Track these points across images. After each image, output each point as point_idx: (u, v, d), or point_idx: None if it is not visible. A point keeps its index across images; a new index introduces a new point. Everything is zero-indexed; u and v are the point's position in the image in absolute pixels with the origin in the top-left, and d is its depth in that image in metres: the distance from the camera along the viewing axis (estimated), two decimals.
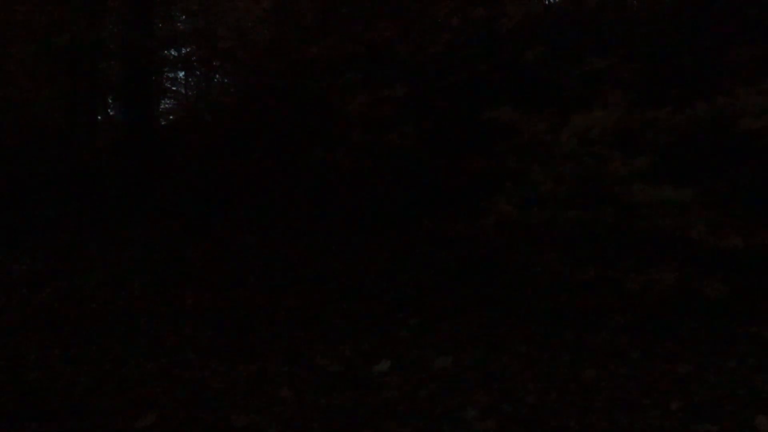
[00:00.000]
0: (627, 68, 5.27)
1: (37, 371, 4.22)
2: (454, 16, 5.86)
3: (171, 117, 13.12)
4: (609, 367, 3.84)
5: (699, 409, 3.23)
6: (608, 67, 5.23)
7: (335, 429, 3.23)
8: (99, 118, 11.85)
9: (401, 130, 5.68)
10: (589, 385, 3.61)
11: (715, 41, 5.44)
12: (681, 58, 5.40)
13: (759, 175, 4.79)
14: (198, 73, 12.80)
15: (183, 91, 13.81)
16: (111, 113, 12.65)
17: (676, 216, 4.37)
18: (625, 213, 4.45)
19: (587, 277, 4.47)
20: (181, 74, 13.01)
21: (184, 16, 10.82)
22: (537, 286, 4.85)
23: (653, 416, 3.18)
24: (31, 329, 4.98)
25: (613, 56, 5.30)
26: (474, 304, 4.96)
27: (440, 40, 5.72)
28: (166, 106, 13.48)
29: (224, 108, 10.50)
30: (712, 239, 4.26)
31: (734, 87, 4.63)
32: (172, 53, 10.65)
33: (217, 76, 12.65)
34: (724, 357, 3.86)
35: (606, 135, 4.63)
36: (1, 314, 5.29)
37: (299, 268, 6.01)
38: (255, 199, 7.40)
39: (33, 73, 8.37)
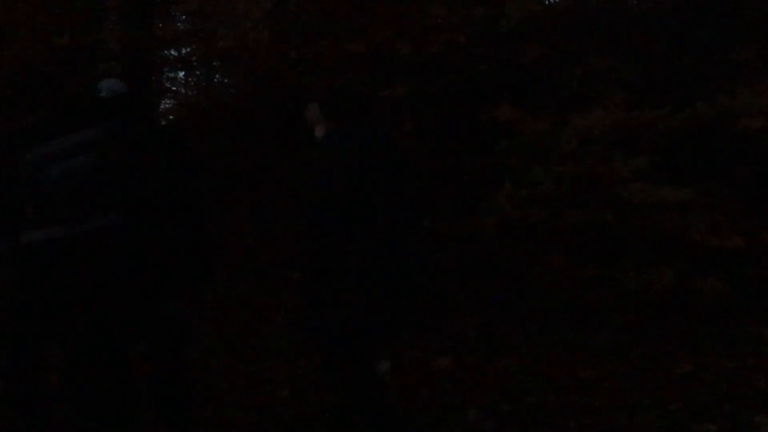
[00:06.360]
0: (627, 68, 5.26)
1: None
2: (454, 15, 5.84)
3: (171, 117, 13.08)
4: (609, 367, 3.84)
5: (699, 409, 3.23)
6: (608, 67, 5.22)
7: (335, 429, 3.23)
8: None
9: (401, 130, 5.67)
10: (589, 385, 3.61)
11: (715, 41, 5.44)
12: (681, 58, 5.40)
13: (759, 175, 4.79)
14: (198, 73, 12.77)
15: (183, 91, 13.77)
16: None
17: (676, 216, 4.37)
18: (625, 213, 4.44)
19: (587, 277, 4.46)
20: (181, 74, 12.95)
21: (184, 16, 10.77)
22: (537, 286, 4.84)
23: (653, 416, 3.17)
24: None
25: (613, 56, 5.29)
26: (474, 304, 4.96)
27: (440, 40, 5.71)
28: (166, 106, 13.43)
29: (224, 108, 10.49)
30: (712, 239, 4.26)
31: (734, 87, 4.63)
32: (172, 53, 10.62)
33: (217, 76, 12.62)
34: (724, 357, 3.86)
35: (606, 135, 4.63)
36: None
37: (299, 267, 5.99)
38: (255, 199, 7.39)
39: (33, 72, 8.34)
